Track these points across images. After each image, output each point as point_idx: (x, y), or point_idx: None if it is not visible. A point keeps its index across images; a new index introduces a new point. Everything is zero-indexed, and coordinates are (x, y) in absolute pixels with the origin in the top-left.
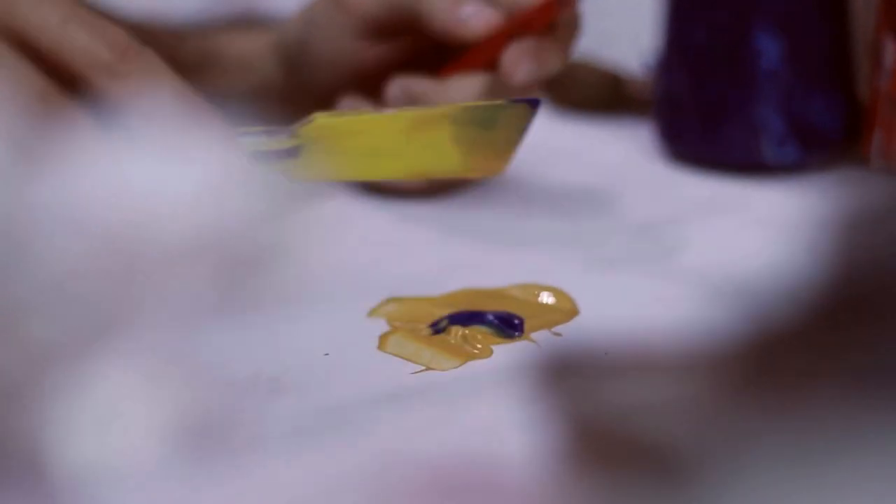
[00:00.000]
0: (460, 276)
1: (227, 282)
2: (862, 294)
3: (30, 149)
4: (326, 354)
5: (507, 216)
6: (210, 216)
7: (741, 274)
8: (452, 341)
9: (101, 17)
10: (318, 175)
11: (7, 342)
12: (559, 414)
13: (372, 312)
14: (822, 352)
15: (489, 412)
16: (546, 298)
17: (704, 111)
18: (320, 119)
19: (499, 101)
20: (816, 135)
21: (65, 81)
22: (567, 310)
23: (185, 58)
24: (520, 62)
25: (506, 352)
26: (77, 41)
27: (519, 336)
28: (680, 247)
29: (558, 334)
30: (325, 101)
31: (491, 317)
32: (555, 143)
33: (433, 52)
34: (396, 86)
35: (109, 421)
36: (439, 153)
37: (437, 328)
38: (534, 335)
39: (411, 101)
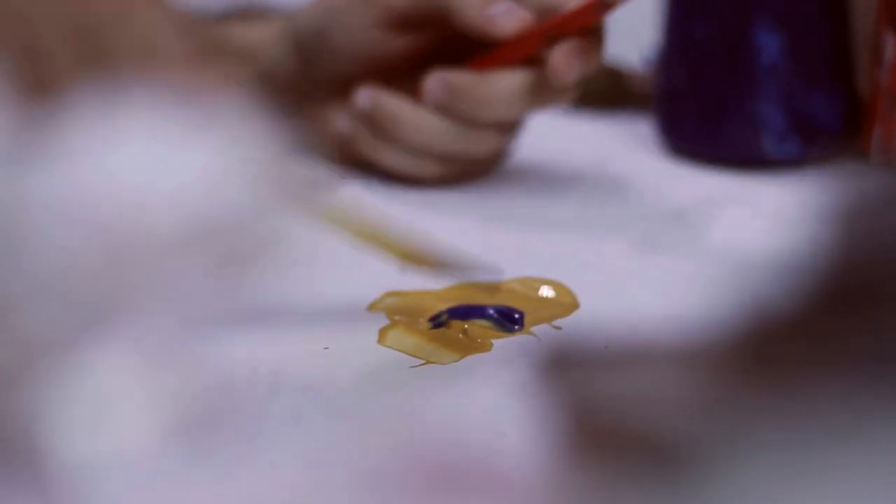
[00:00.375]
0: None
1: (225, 274)
2: (861, 285)
3: (24, 141)
4: (326, 348)
5: (508, 209)
6: (208, 208)
7: (741, 266)
8: (453, 336)
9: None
10: None
11: (2, 334)
12: (558, 406)
13: (371, 306)
14: (820, 341)
15: (489, 405)
16: (546, 292)
17: (705, 106)
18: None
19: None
20: (817, 130)
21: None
22: (567, 303)
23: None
24: (571, 61)
25: (505, 345)
26: None
27: (519, 330)
28: (680, 241)
29: (558, 328)
30: (339, 90)
31: (491, 311)
32: (556, 137)
33: (455, 46)
34: (436, 79)
35: (106, 413)
36: None
37: (438, 322)
38: (534, 329)
39: (451, 94)
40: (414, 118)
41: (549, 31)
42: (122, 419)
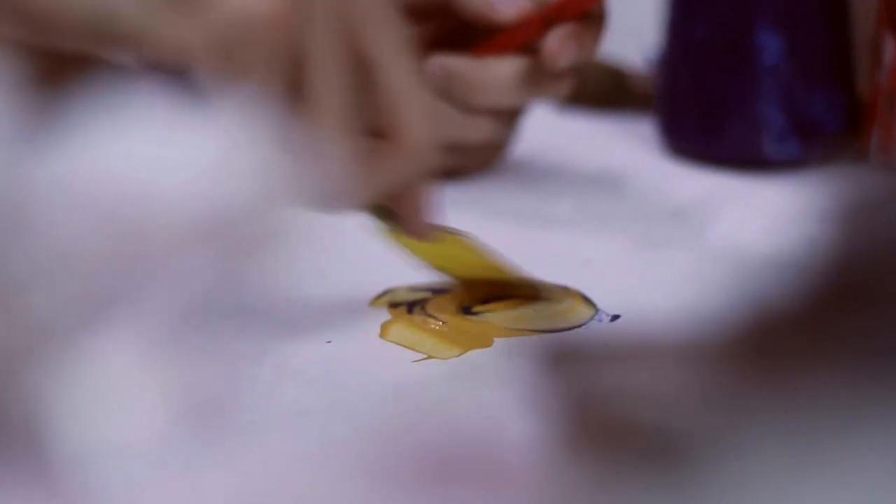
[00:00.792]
0: None
1: (230, 266)
2: (859, 283)
3: (33, 129)
4: (329, 342)
5: (508, 205)
6: (214, 199)
7: (741, 264)
8: (455, 331)
9: None
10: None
11: (8, 321)
12: (559, 400)
13: (374, 301)
14: (819, 339)
15: (490, 399)
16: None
17: (706, 107)
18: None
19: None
20: (816, 130)
21: (68, 60)
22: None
23: None
24: (564, 46)
25: (506, 340)
26: None
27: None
28: (680, 239)
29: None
30: None
31: None
32: (557, 136)
33: (460, 36)
34: (434, 65)
35: (110, 403)
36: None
37: (468, 311)
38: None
39: (449, 78)
40: None
41: (548, 17)
42: (125, 409)
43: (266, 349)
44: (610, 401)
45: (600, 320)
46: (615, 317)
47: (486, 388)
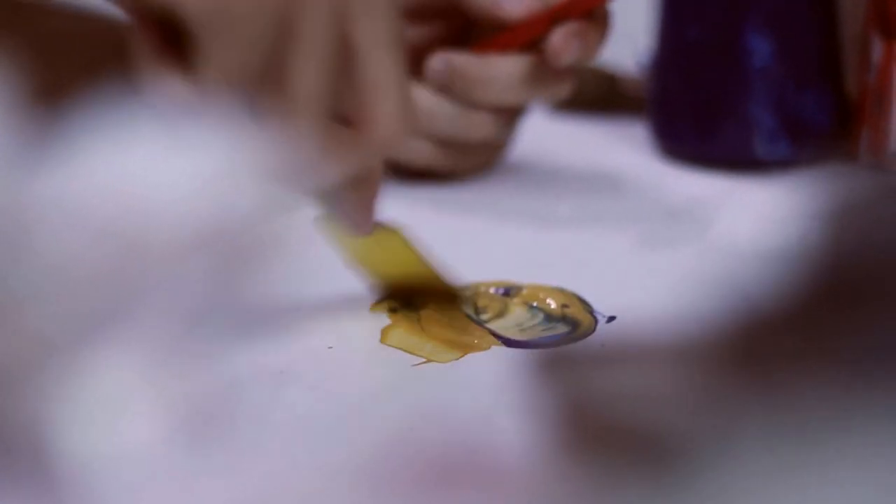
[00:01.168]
0: (464, 266)
1: (230, 275)
2: (851, 283)
3: (32, 143)
4: (330, 347)
5: (505, 207)
6: (213, 209)
7: (733, 265)
8: (453, 335)
9: None
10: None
11: (7, 333)
12: (556, 403)
13: (374, 306)
14: (812, 339)
15: (487, 402)
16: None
17: (697, 109)
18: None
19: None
20: (807, 131)
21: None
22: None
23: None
24: (568, 44)
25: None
26: None
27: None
28: (673, 241)
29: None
30: None
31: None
32: (551, 140)
33: (466, 35)
34: (438, 60)
35: (112, 413)
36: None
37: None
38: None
39: (451, 74)
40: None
41: (554, 17)
42: (126, 417)
43: (267, 355)
44: (606, 403)
45: (597, 321)
46: (611, 318)
47: (484, 391)
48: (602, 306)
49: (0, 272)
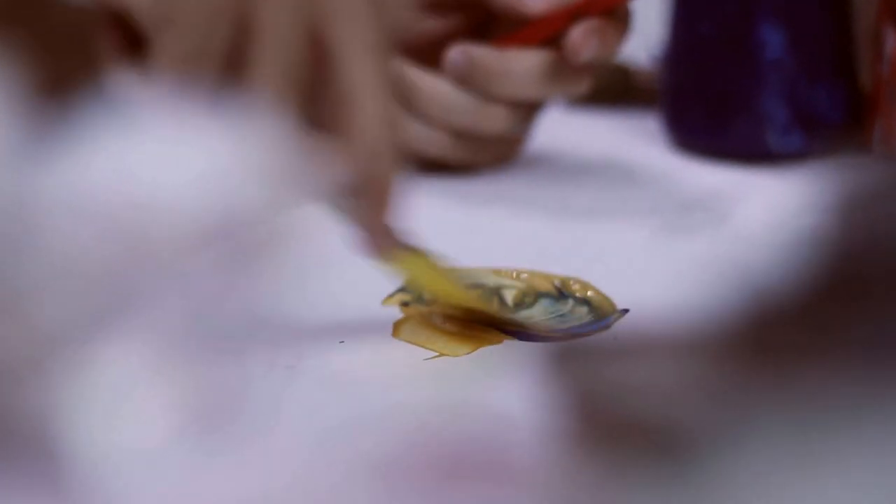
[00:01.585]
0: (481, 258)
1: (240, 269)
2: (863, 274)
3: (38, 136)
4: (342, 342)
5: (522, 199)
6: (222, 203)
7: (746, 257)
8: (466, 329)
9: None
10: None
11: (15, 327)
12: (568, 396)
13: (386, 301)
14: (824, 330)
15: (500, 396)
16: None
17: (710, 102)
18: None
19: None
20: (820, 123)
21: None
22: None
23: None
24: (587, 40)
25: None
26: None
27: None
28: (685, 234)
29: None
30: None
31: None
32: (565, 134)
33: (486, 27)
34: (457, 51)
35: (120, 408)
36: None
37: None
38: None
39: (470, 66)
40: (431, 87)
41: (574, 13)
42: (135, 414)
43: (279, 350)
44: (617, 396)
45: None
46: (624, 311)
47: (496, 385)
48: (615, 298)
49: (6, 268)
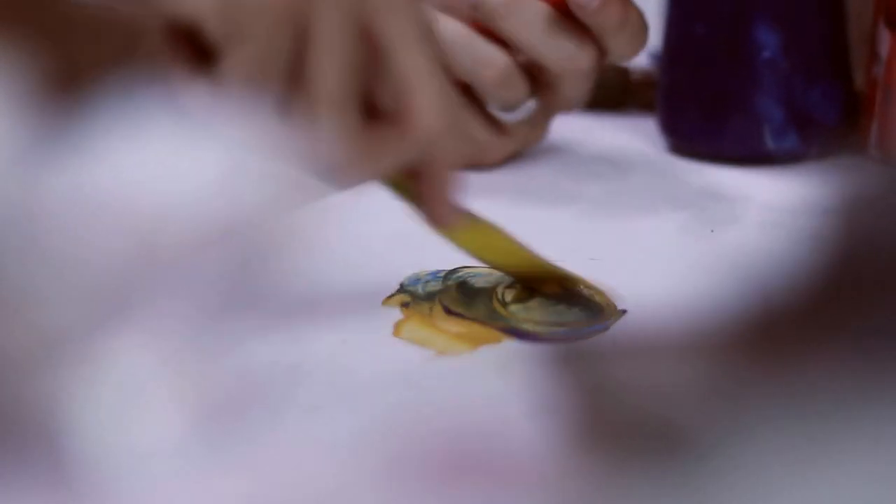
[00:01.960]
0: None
1: (244, 270)
2: (860, 275)
3: (47, 136)
4: (344, 341)
5: (511, 205)
6: (226, 204)
7: (744, 258)
8: (466, 328)
9: None
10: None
11: (22, 327)
12: (569, 395)
13: (387, 301)
14: (822, 331)
15: (501, 395)
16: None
17: (706, 103)
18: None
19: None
20: (815, 124)
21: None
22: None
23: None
24: None
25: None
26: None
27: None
28: (682, 235)
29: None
30: None
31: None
32: (564, 134)
33: None
34: None
35: (127, 403)
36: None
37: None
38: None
39: (475, 8)
40: (443, 25)
41: None
42: (142, 412)
43: (282, 350)
44: (619, 395)
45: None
46: (622, 311)
47: (496, 384)
48: (612, 297)
49: (13, 267)
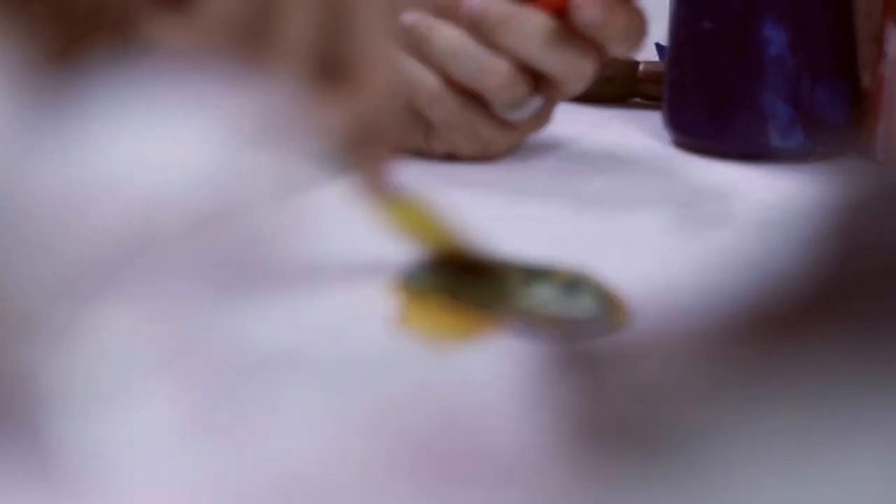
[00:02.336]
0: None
1: (240, 255)
2: (863, 274)
3: (41, 110)
4: (341, 329)
5: (511, 200)
6: (223, 189)
7: (747, 255)
8: (463, 320)
9: None
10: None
11: (15, 319)
12: (566, 394)
13: (386, 289)
14: (826, 329)
15: (497, 391)
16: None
17: (712, 99)
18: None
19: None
20: (822, 122)
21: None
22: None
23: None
24: (593, 4)
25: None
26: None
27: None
28: (685, 232)
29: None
30: None
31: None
32: (570, 127)
33: None
34: None
35: (119, 395)
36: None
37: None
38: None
39: (483, 11)
40: (441, 32)
41: None
42: (134, 404)
43: (276, 338)
44: (616, 394)
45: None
46: (628, 317)
47: (493, 379)
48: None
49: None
